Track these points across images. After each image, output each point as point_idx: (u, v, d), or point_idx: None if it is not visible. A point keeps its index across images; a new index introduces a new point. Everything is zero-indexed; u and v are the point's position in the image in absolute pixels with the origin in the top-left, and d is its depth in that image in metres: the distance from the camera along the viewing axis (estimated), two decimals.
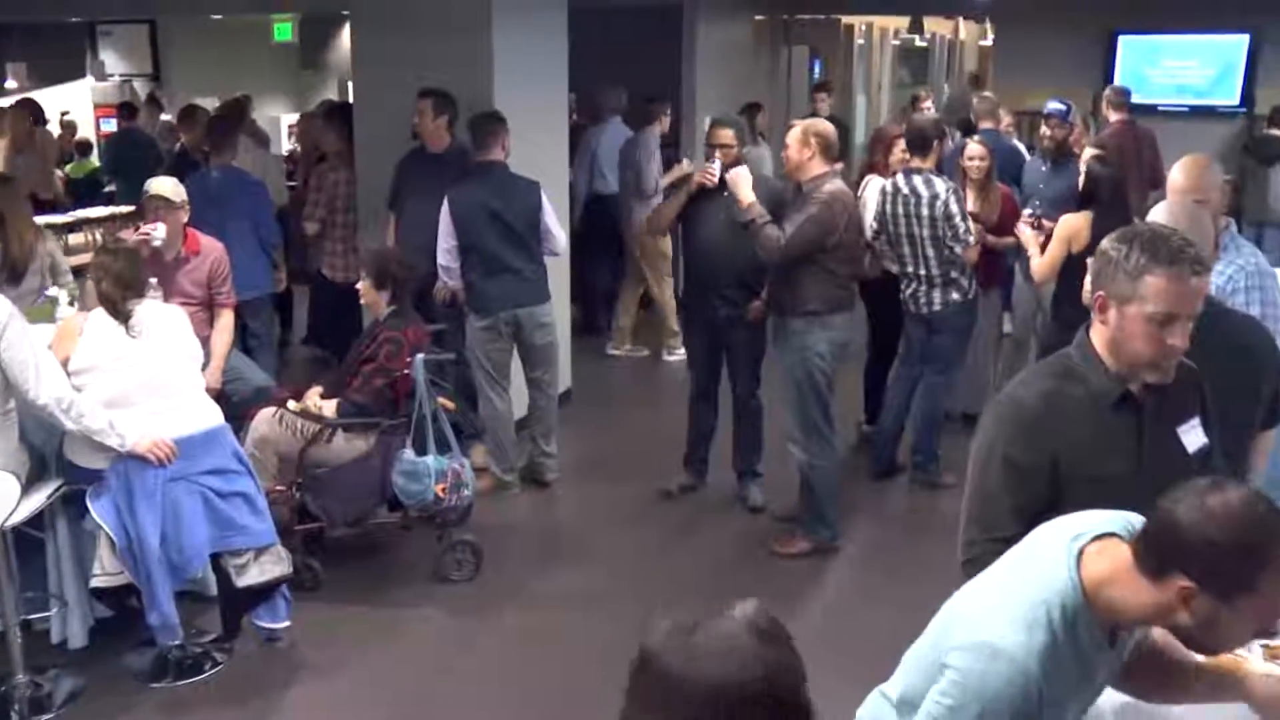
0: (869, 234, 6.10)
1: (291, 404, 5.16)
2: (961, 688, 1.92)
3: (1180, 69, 12.60)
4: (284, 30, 14.06)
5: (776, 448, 5.76)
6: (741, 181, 5.31)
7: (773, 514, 5.84)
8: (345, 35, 9.53)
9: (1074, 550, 1.99)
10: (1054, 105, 7.81)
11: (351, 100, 7.41)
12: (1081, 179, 5.88)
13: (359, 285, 5.33)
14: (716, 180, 5.53)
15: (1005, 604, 1.97)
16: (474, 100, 6.22)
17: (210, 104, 9.80)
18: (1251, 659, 2.41)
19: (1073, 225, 5.57)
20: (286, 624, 4.55)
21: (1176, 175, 3.82)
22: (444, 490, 4.97)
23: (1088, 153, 6.46)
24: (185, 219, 5.45)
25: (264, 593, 4.44)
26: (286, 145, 12.16)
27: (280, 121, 12.91)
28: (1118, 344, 2.47)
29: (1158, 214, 3.21)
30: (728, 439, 6.08)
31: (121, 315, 4.22)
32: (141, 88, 13.98)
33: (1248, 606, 1.83)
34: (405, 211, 6.32)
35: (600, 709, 4.47)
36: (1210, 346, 2.72)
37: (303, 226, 7.20)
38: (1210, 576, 1.82)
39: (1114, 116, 8.06)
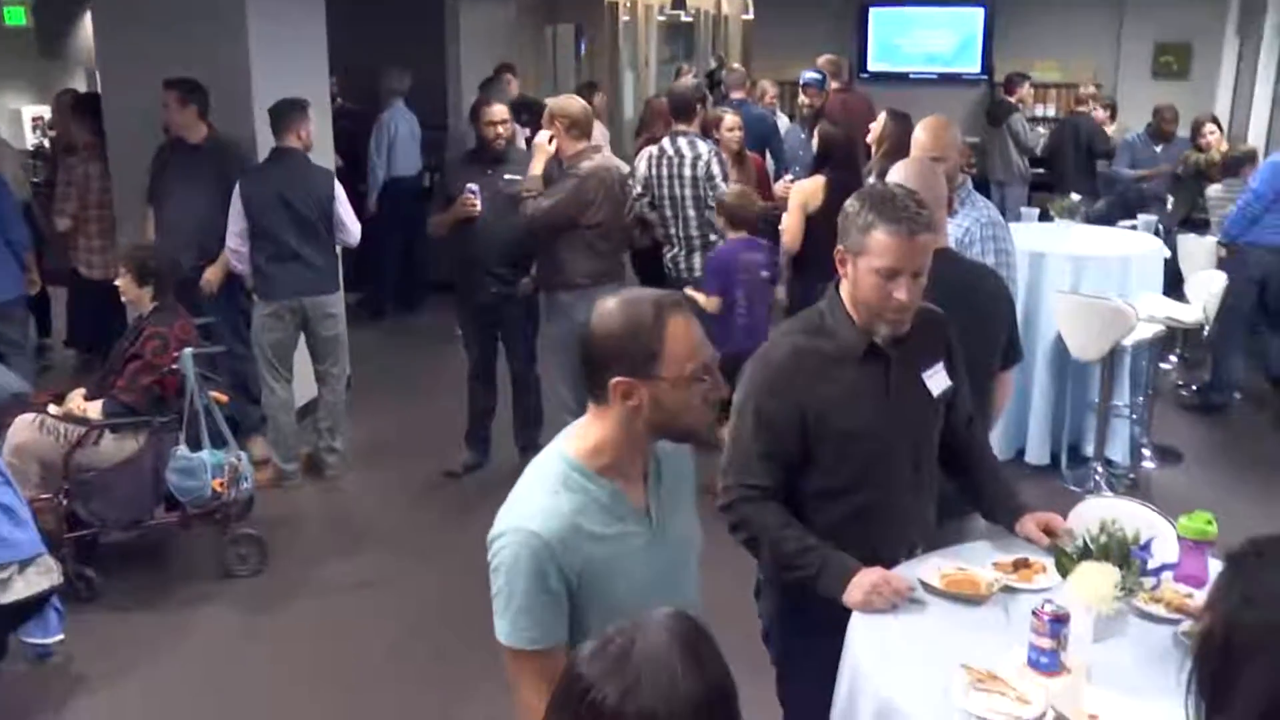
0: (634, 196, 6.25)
1: (53, 408, 4.95)
2: (493, 570, 2.10)
3: (928, 39, 13.28)
4: (15, 14, 13.11)
5: (558, 421, 5.85)
6: (536, 155, 5.47)
7: None
8: (88, 21, 9.04)
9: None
10: (809, 74, 8.15)
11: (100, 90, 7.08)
12: (815, 143, 6.17)
13: (118, 282, 5.14)
14: (478, 210, 5.62)
15: (513, 498, 2.14)
16: (231, 87, 6.07)
17: None
18: (983, 573, 2.64)
19: (806, 189, 5.86)
20: (59, 638, 4.37)
21: (919, 134, 4.07)
22: (222, 485, 4.88)
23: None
24: None
25: (32, 607, 4.24)
26: (31, 139, 11.47)
27: (22, 114, 12.14)
28: (853, 296, 2.65)
29: (895, 172, 3.40)
30: (509, 415, 6.14)
31: None
32: None
33: (666, 369, 2.05)
34: (165, 205, 6.11)
35: (396, 690, 4.51)
36: (949, 294, 2.94)
37: (53, 223, 6.86)
38: (626, 361, 2.05)
39: (833, 85, 8.44)
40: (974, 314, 3.21)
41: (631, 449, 2.14)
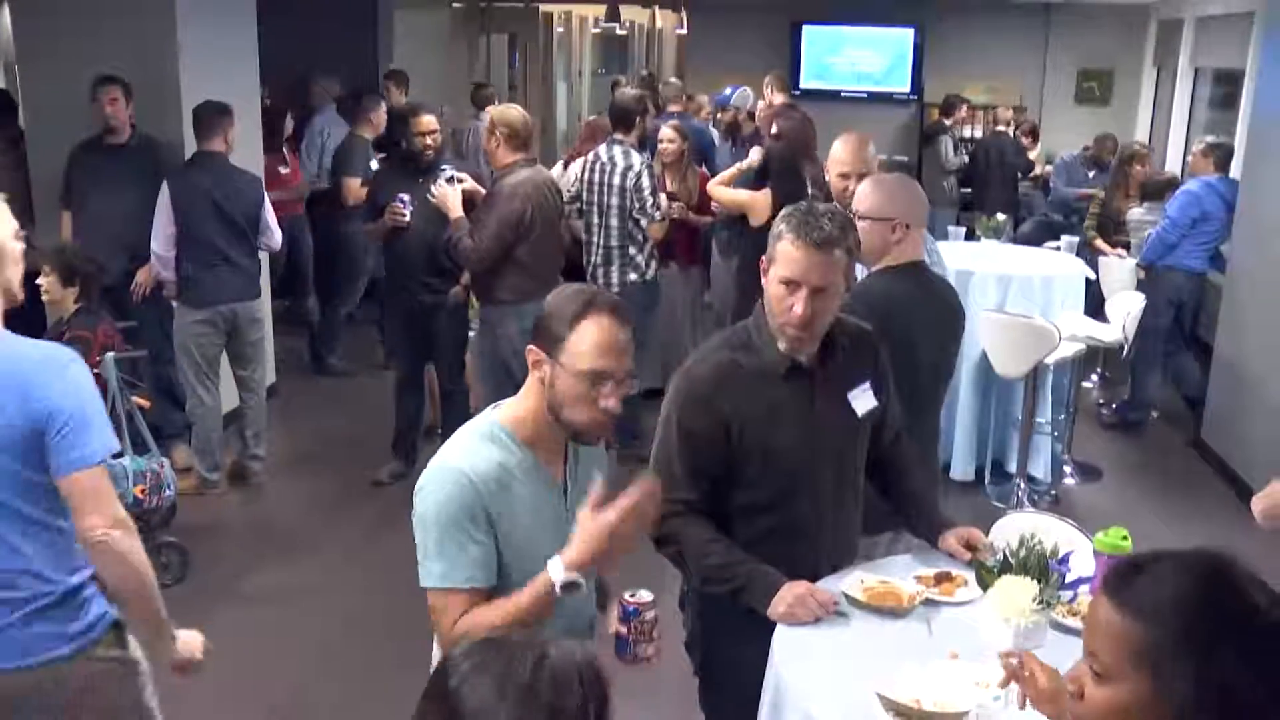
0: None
1: None
2: (420, 517, 2.19)
3: (859, 58, 13.45)
4: None
5: None
6: (450, 199, 5.39)
7: None
8: (6, 13, 8.85)
9: None
10: (725, 93, 8.33)
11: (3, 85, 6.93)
12: (758, 158, 6.22)
13: (41, 282, 5.03)
14: (407, 221, 5.60)
15: (441, 451, 2.26)
16: (159, 88, 5.99)
17: None
18: (905, 586, 2.68)
19: (757, 202, 5.91)
20: None
21: (837, 150, 4.15)
22: (144, 492, 4.77)
23: None
24: None
25: None
26: None
27: None
28: (767, 305, 2.67)
29: (868, 185, 3.44)
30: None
31: None
32: None
33: (565, 356, 2.17)
34: (89, 207, 5.96)
35: (321, 700, 4.44)
36: (924, 305, 3.03)
37: None
38: (544, 335, 2.20)
39: (777, 99, 8.55)
40: (943, 327, 3.29)
41: (549, 423, 2.24)
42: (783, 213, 2.68)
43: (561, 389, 2.18)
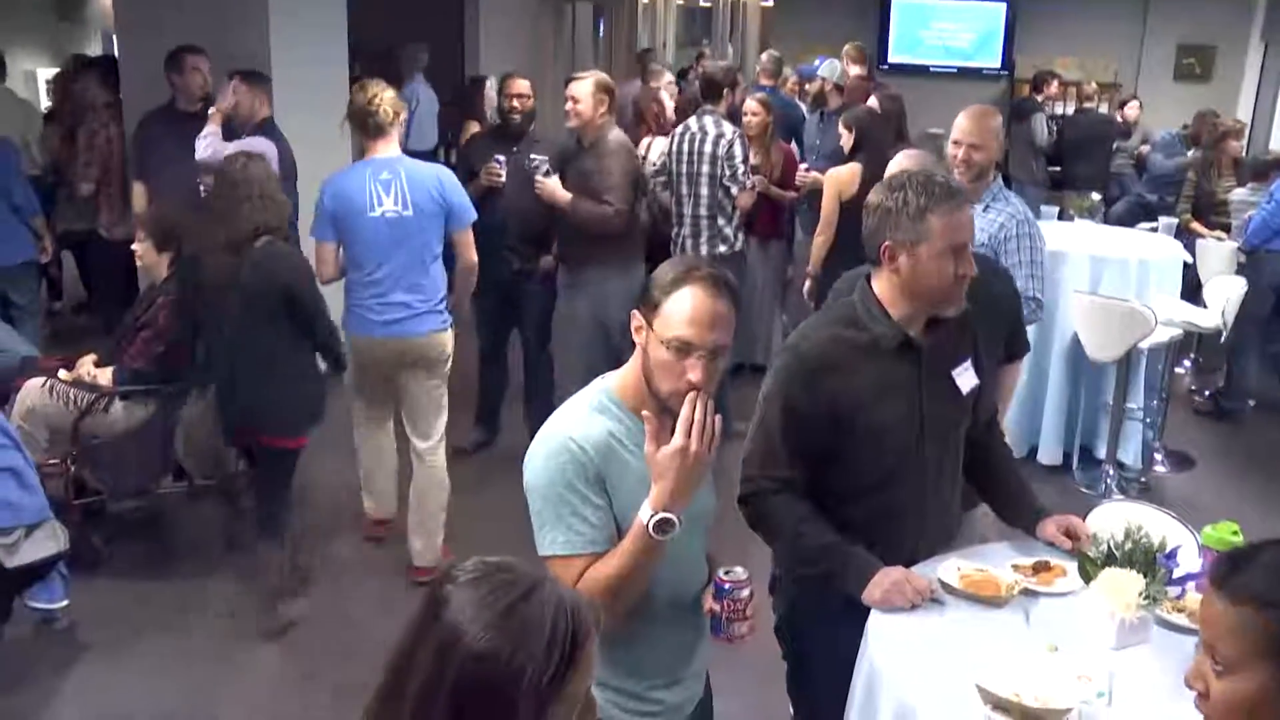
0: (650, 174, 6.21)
1: (63, 374, 4.92)
2: (530, 488, 2.19)
3: (948, 32, 13.19)
4: None
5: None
6: (554, 189, 5.40)
7: None
8: None
9: None
10: (813, 65, 8.17)
11: (113, 54, 7.07)
12: (844, 131, 6.10)
13: (136, 247, 5.09)
14: (502, 180, 5.62)
15: (551, 420, 2.24)
16: (250, 60, 6.03)
17: None
18: (1003, 574, 2.62)
19: (839, 177, 5.80)
20: (64, 603, 4.37)
21: (961, 120, 4.07)
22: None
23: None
24: None
25: (38, 571, 4.23)
26: (46, 101, 11.41)
27: (38, 76, 12.08)
28: (911, 287, 2.58)
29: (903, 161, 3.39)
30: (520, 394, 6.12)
31: None
32: None
33: (657, 322, 2.13)
34: (162, 174, 5.97)
35: None
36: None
37: (77, 188, 6.85)
38: (643, 303, 2.18)
39: (854, 71, 8.35)
40: (981, 309, 3.19)
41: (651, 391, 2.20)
42: (901, 190, 2.57)
43: (653, 356, 2.15)
